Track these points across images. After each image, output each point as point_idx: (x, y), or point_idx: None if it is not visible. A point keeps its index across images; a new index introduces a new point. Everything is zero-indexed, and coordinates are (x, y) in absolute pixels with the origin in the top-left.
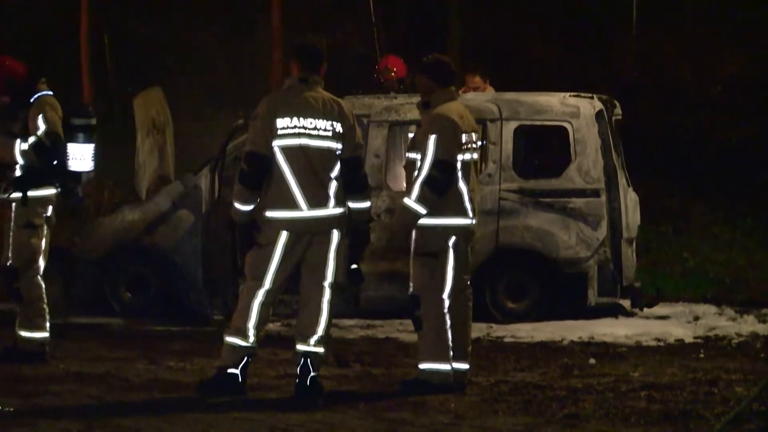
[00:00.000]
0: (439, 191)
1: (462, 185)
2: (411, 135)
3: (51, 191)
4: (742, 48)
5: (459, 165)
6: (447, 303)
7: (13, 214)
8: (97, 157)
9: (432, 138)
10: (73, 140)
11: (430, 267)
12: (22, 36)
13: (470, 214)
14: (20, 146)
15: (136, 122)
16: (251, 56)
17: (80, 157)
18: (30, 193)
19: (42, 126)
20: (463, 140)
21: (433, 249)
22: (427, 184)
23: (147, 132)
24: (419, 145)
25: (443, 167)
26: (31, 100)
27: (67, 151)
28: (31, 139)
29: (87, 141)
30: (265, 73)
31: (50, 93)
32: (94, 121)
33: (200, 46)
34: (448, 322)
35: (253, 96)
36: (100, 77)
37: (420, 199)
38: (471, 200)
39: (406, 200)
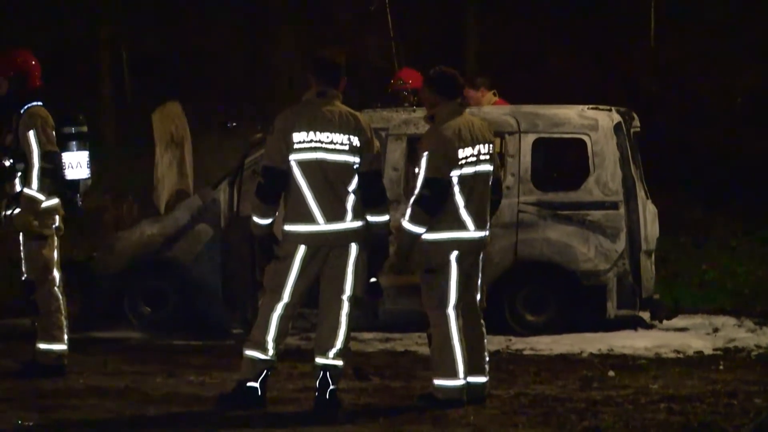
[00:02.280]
0: (431, 209)
1: (458, 198)
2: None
3: (55, 201)
4: (762, 60)
5: (456, 180)
6: (453, 317)
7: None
8: (92, 164)
9: (425, 155)
10: (67, 149)
11: (431, 283)
12: (41, 50)
13: (470, 226)
14: (35, 185)
15: (155, 136)
16: (270, 70)
17: (75, 165)
18: (46, 203)
19: (35, 148)
20: (462, 155)
21: (433, 264)
22: (418, 203)
23: (165, 146)
24: (417, 162)
25: (433, 185)
26: (21, 110)
27: (63, 160)
28: (35, 173)
29: (81, 149)
30: (283, 87)
31: (39, 104)
32: (85, 129)
33: (219, 60)
34: (455, 337)
35: (271, 110)
36: (119, 91)
37: (413, 219)
38: (472, 212)
39: (402, 222)
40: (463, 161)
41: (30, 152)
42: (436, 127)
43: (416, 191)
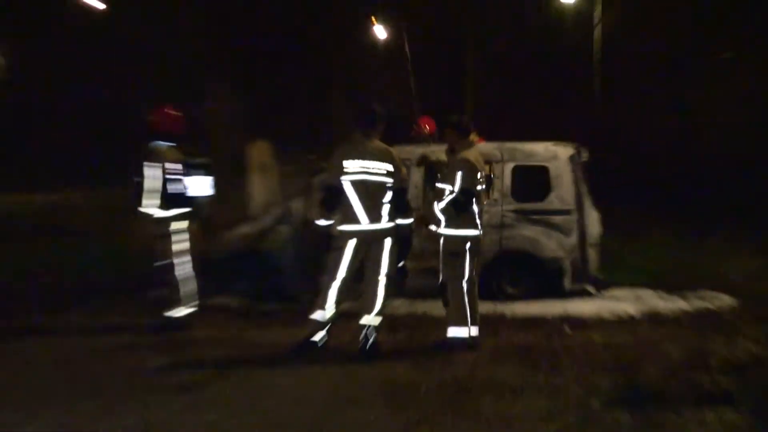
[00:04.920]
0: (460, 209)
1: (475, 208)
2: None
3: (170, 212)
4: (672, 114)
5: (474, 193)
6: (466, 287)
7: (155, 228)
8: (216, 185)
9: (459, 174)
10: (196, 174)
11: (453, 263)
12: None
13: (479, 227)
14: (144, 202)
15: (250, 164)
16: (327, 117)
17: (201, 186)
18: (157, 215)
19: (148, 175)
20: (478, 176)
21: (456, 251)
22: (453, 203)
23: (257, 171)
24: (448, 178)
25: (466, 193)
26: (150, 147)
27: (192, 182)
28: (144, 194)
29: (206, 174)
30: (335, 130)
31: (172, 144)
32: (208, 161)
33: (290, 111)
34: (467, 300)
35: (325, 144)
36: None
37: (444, 211)
38: (480, 217)
39: (435, 206)
40: (479, 181)
41: (142, 179)
42: (463, 156)
43: (453, 195)
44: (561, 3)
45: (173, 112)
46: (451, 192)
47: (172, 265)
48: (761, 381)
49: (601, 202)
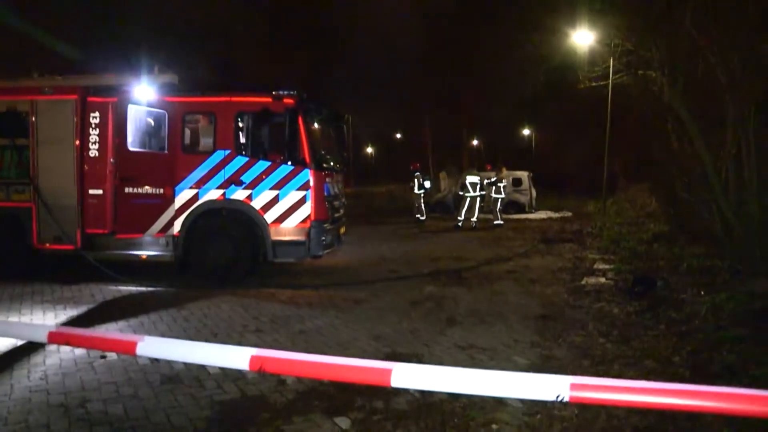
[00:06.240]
0: (501, 193)
1: (502, 190)
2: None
3: (422, 191)
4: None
5: (503, 184)
6: (499, 210)
7: (422, 196)
8: (432, 185)
9: (503, 180)
10: (426, 180)
11: (495, 204)
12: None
13: (503, 195)
14: (416, 189)
15: (441, 178)
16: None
17: (428, 183)
18: (416, 191)
19: (416, 183)
20: (504, 182)
21: (496, 200)
22: (498, 190)
23: (442, 179)
24: (498, 182)
25: (502, 187)
26: (414, 173)
27: (429, 184)
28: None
29: (429, 180)
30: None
31: (418, 173)
32: (429, 177)
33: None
34: (499, 214)
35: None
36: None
37: (497, 192)
38: (505, 192)
39: (492, 190)
40: (504, 182)
41: (413, 182)
42: (500, 175)
43: (500, 187)
44: (532, 131)
45: (417, 164)
46: (497, 185)
47: (421, 205)
48: (581, 237)
49: (537, 186)
